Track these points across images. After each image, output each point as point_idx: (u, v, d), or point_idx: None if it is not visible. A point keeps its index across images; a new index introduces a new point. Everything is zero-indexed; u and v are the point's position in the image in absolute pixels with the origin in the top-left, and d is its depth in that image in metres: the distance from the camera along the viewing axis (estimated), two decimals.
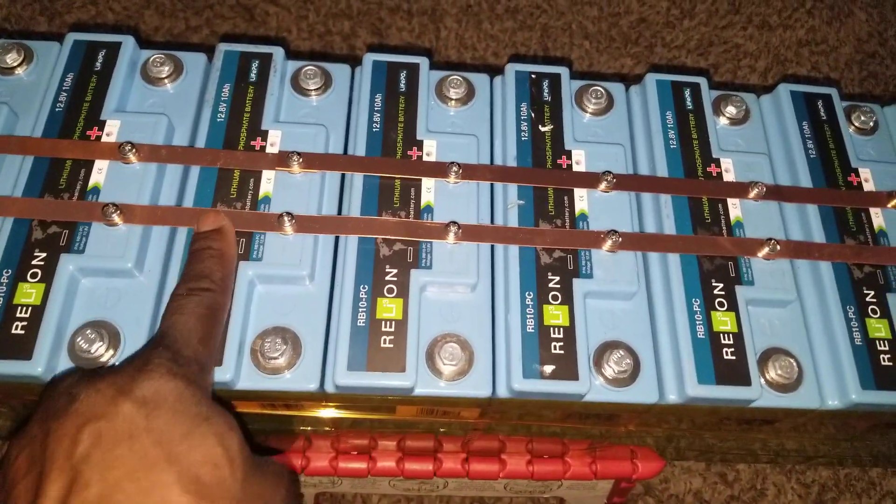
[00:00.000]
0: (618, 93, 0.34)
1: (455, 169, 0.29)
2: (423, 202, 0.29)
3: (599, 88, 0.33)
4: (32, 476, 0.19)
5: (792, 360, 0.27)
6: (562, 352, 0.26)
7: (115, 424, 0.19)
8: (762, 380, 0.27)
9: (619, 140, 0.32)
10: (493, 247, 0.29)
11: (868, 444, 0.41)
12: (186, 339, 0.22)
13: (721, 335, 0.27)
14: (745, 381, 0.26)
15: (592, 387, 0.26)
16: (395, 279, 0.27)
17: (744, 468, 0.53)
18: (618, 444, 0.38)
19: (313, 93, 0.32)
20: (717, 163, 0.31)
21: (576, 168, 0.31)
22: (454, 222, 0.28)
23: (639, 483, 0.51)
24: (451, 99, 0.32)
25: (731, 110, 0.33)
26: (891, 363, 0.27)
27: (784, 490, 0.52)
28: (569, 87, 0.33)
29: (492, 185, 0.30)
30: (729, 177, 0.31)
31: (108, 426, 0.19)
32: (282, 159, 0.29)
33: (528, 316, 0.27)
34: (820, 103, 0.34)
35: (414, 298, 0.27)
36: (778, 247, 0.29)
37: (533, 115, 0.32)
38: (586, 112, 0.33)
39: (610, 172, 0.30)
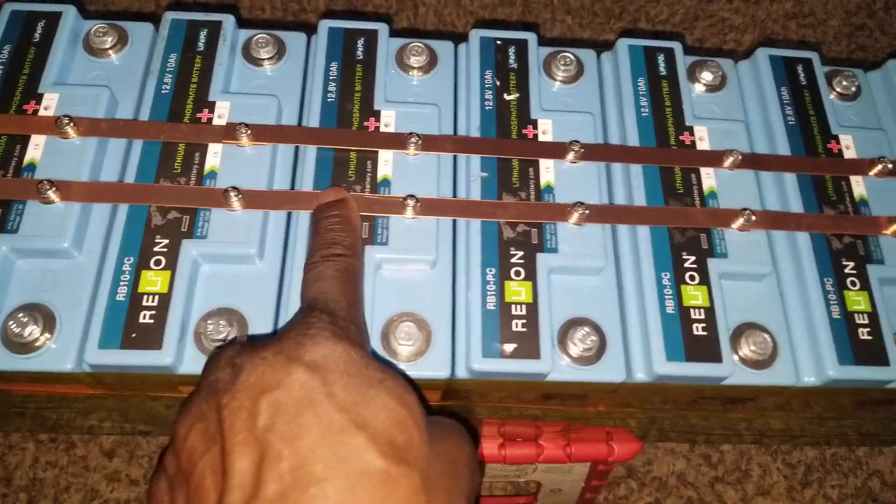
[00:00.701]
0: (588, 59, 0.32)
1: (414, 140, 0.28)
2: (381, 175, 0.27)
3: (568, 55, 0.31)
4: (213, 453, 0.18)
5: (766, 336, 0.26)
6: (524, 329, 0.25)
7: (292, 392, 0.18)
8: (735, 356, 0.26)
9: (589, 109, 0.31)
10: (455, 222, 0.28)
11: (856, 422, 0.40)
12: (337, 302, 0.22)
13: (691, 310, 0.26)
14: (716, 357, 0.25)
15: (556, 366, 0.25)
16: None
17: (728, 449, 0.52)
18: (594, 425, 0.37)
19: (266, 62, 0.30)
20: (691, 131, 0.30)
21: (542, 138, 0.29)
22: (412, 196, 0.26)
23: (621, 466, 0.51)
24: (413, 67, 0.31)
25: (706, 76, 0.32)
26: (870, 337, 0.26)
27: (769, 470, 0.51)
28: (536, 53, 0.31)
29: (455, 157, 0.29)
30: (703, 145, 0.30)
31: (286, 394, 0.18)
32: (229, 132, 0.27)
33: (489, 293, 0.26)
34: (800, 68, 0.32)
35: (369, 276, 0.25)
36: (753, 217, 0.27)
37: (498, 83, 0.30)
38: (555, 80, 0.31)
39: (577, 142, 0.28)
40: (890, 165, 0.29)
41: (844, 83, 0.32)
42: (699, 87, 0.32)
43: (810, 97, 0.31)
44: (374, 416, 0.18)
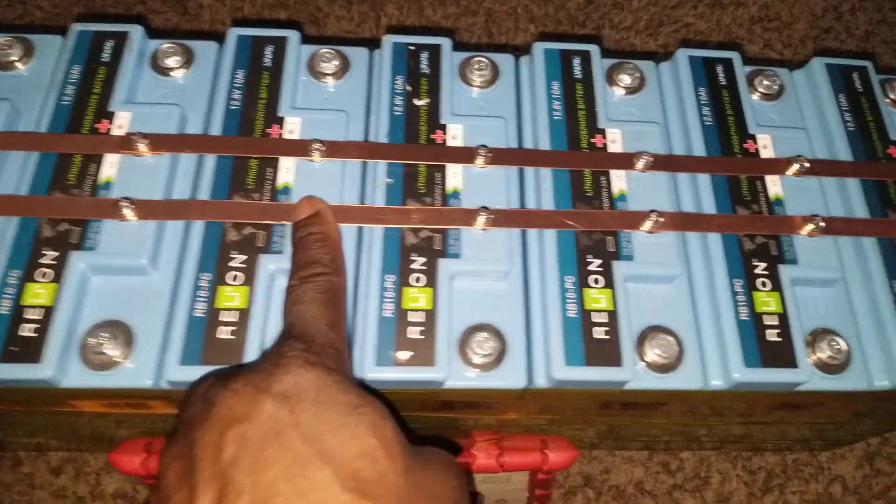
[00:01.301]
0: (505, 64, 0.32)
1: (318, 146, 0.27)
2: (281, 183, 0.27)
3: (483, 60, 0.31)
4: (184, 490, 0.17)
5: (671, 339, 0.25)
6: (422, 337, 0.25)
7: (258, 424, 0.18)
8: (641, 361, 0.25)
9: (504, 113, 0.30)
10: (360, 229, 0.27)
11: (819, 428, 0.40)
12: (315, 326, 0.21)
13: (594, 314, 0.25)
14: (616, 361, 0.25)
15: (454, 373, 0.24)
16: (242, 266, 0.25)
17: (688, 456, 0.51)
18: (529, 433, 0.36)
19: (174, 72, 0.30)
20: (604, 133, 0.29)
21: (452, 143, 0.29)
22: None
23: (578, 475, 0.50)
24: (325, 74, 0.30)
25: (624, 79, 0.31)
26: (779, 338, 0.26)
27: (729, 477, 0.50)
28: (450, 59, 0.31)
29: (364, 163, 0.29)
30: (616, 147, 0.29)
31: (252, 427, 0.18)
32: (126, 142, 0.27)
33: (387, 300, 0.25)
34: (720, 68, 0.32)
35: (262, 286, 0.25)
36: (661, 219, 0.27)
37: (409, 88, 0.30)
38: (472, 85, 0.31)
39: (485, 146, 0.28)
40: (807, 164, 0.29)
41: (766, 82, 0.32)
42: (619, 91, 0.32)
43: (729, 97, 0.31)
44: (342, 446, 0.17)
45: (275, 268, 0.25)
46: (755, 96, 0.32)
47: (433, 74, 0.30)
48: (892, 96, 0.32)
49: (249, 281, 0.25)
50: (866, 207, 0.29)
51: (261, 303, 0.25)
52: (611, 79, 0.32)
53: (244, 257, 0.25)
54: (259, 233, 0.26)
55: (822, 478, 0.50)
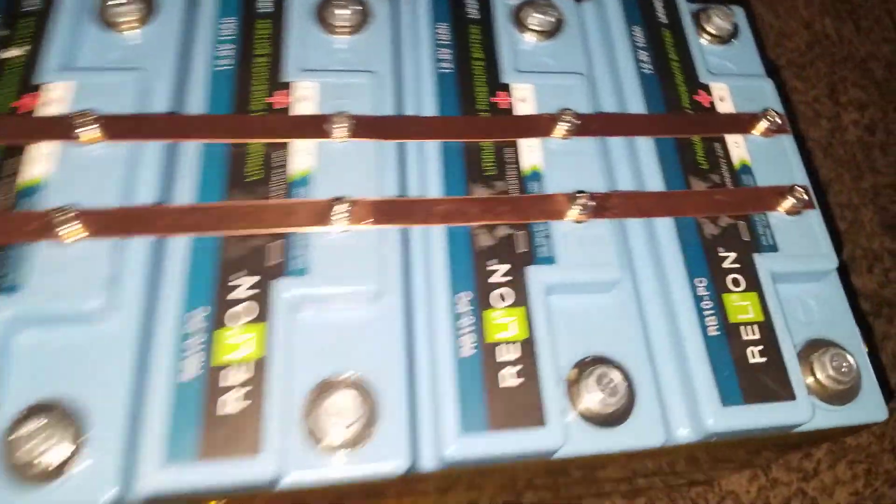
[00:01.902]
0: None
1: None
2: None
3: None
4: None
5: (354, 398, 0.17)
6: None
7: None
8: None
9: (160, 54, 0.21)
10: None
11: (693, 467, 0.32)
12: None
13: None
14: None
15: None
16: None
17: None
18: None
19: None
20: (289, 88, 0.20)
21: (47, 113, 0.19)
22: None
23: None
24: None
25: (342, 14, 0.22)
26: (520, 379, 0.17)
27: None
28: None
29: None
30: (306, 109, 0.20)
31: None
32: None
33: None
34: None
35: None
36: (351, 207, 0.18)
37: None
38: (117, 31, 0.21)
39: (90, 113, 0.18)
40: (577, 122, 0.21)
41: (538, 15, 0.23)
42: (337, 35, 0.22)
43: (480, 35, 0.22)
44: None
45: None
46: (527, 35, 0.24)
47: (43, 11, 0.20)
48: (710, 30, 0.25)
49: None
50: (661, 176, 0.21)
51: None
52: (322, 18, 0.22)
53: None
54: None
55: (711, 496, 0.43)
